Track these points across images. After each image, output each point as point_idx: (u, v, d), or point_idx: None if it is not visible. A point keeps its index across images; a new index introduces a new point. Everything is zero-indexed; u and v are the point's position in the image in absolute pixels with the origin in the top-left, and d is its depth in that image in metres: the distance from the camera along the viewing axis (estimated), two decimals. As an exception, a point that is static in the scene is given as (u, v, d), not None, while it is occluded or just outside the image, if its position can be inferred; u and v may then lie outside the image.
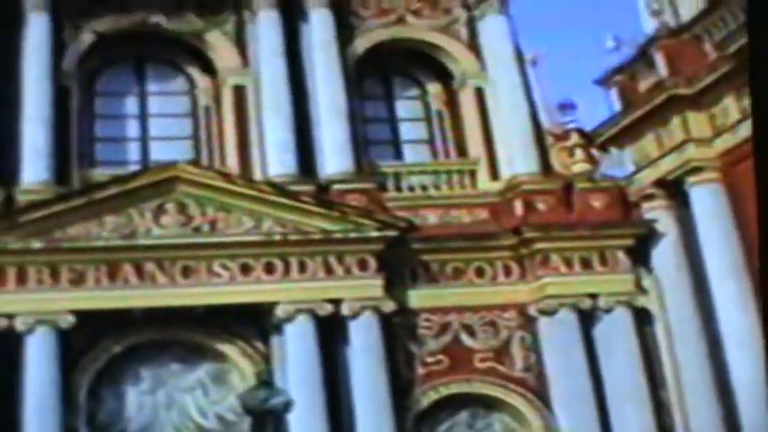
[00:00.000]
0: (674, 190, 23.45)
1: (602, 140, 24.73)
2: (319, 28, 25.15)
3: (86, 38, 24.71)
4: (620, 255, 23.23)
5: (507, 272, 23.18)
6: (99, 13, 24.87)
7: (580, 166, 24.38)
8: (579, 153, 24.52)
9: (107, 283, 21.39)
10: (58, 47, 24.26)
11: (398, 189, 24.01)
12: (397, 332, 22.41)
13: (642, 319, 23.01)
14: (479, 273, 23.05)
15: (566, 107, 25.06)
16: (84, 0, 24.75)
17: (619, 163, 24.67)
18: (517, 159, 24.21)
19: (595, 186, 24.12)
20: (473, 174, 24.43)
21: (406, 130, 25.63)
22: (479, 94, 25.25)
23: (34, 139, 22.80)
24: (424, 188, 24.11)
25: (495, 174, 24.31)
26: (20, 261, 21.23)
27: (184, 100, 25.25)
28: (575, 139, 24.60)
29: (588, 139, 24.69)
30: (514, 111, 24.71)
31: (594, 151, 24.69)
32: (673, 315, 22.85)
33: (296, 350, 21.51)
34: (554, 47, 43.56)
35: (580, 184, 24.06)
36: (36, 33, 24.14)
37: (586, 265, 23.08)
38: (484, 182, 24.30)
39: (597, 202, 23.94)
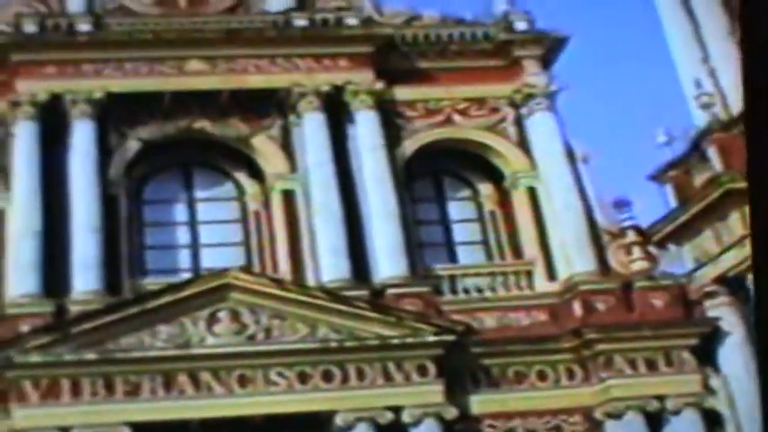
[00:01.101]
0: (737, 286, 23.30)
1: (660, 238, 24.69)
2: (366, 130, 25.37)
3: (132, 145, 24.97)
4: (686, 355, 23.03)
5: (570, 375, 22.97)
6: (143, 120, 25.16)
7: (638, 265, 24.31)
8: (637, 251, 24.47)
9: (162, 393, 21.24)
10: (105, 155, 24.49)
11: (454, 292, 23.94)
12: (460, 440, 22.14)
13: (712, 420, 22.69)
14: (542, 376, 22.85)
15: (620, 204, 25.08)
16: (129, 107, 25.04)
17: (678, 260, 24.61)
18: (574, 259, 24.17)
19: (655, 285, 24.02)
20: (529, 275, 24.38)
21: (459, 232, 25.67)
22: (532, 193, 25.34)
23: (84, 249, 22.88)
24: (480, 290, 24.04)
25: (551, 274, 24.26)
26: (74, 373, 21.10)
27: (233, 206, 25.40)
28: (631, 236, 24.58)
29: (645, 236, 24.66)
30: (568, 209, 24.74)
31: (652, 249, 24.63)
32: (744, 416, 22.51)
33: (358, 459, 21.28)
34: (604, 143, 43.88)
35: (639, 283, 23.96)
36: (82, 141, 24.41)
37: (651, 366, 22.87)
38: (541, 283, 24.24)
39: (658, 301, 23.81)
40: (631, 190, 26.80)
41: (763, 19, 5.58)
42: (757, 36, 5.58)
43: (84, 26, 25.95)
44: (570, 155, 25.55)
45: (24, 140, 24.33)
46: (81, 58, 25.44)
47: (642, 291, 23.90)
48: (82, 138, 24.42)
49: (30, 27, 25.77)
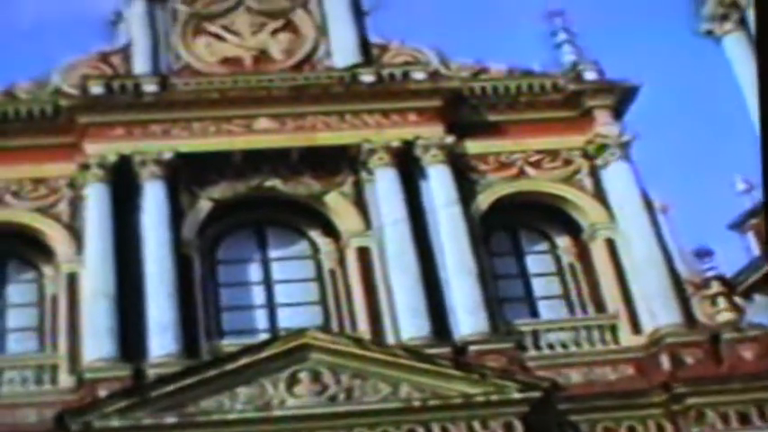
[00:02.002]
0: (829, 336, 22.90)
1: (745, 288, 24.30)
2: (439, 184, 25.30)
3: (203, 205, 24.99)
4: (779, 407, 22.58)
5: (660, 430, 22.59)
6: (214, 179, 25.22)
7: (725, 316, 23.96)
8: (722, 302, 24.10)
9: (244, 456, 21.04)
10: (176, 215, 24.52)
11: (537, 347, 23.67)
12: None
13: (809, 474, 22.17)
14: (631, 432, 22.47)
15: (702, 254, 24.78)
16: (198, 167, 25.10)
17: (765, 310, 24.19)
18: (658, 311, 23.85)
19: (743, 336, 23.64)
20: (614, 328, 24.09)
21: (539, 286, 25.40)
22: (611, 244, 25.10)
23: (160, 312, 22.85)
24: (565, 346, 23.76)
25: (636, 327, 23.96)
26: (154, 437, 20.96)
27: (308, 264, 25.29)
28: (716, 287, 24.24)
29: (730, 286, 24.29)
30: (649, 261, 24.48)
31: (738, 299, 24.25)
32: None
33: None
34: (681, 192, 43.41)
35: (727, 335, 23.58)
36: (153, 203, 24.48)
37: (744, 419, 22.44)
38: (626, 336, 23.93)
39: (747, 353, 23.43)
40: (712, 239, 26.38)
41: None
42: None
43: (150, 87, 26.11)
44: (648, 204, 25.33)
45: (95, 203, 24.43)
46: (148, 119, 25.59)
47: (730, 342, 23.53)
48: (153, 199, 24.48)
49: (96, 89, 25.98)
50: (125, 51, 27.29)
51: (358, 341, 22.67)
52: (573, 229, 25.89)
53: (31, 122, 25.48)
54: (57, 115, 25.55)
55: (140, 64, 26.90)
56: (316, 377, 21.93)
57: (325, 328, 23.33)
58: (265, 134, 25.59)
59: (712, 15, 22.16)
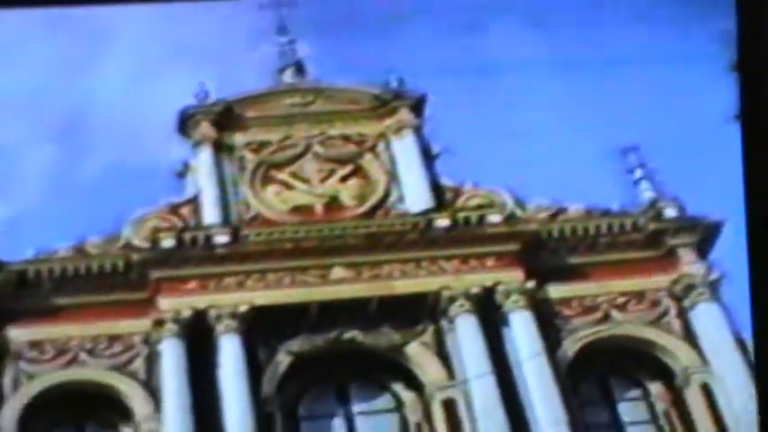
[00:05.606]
0: None
1: None
2: (523, 331, 25.59)
3: (282, 359, 25.34)
4: None
5: None
6: (291, 332, 25.60)
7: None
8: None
9: None
10: (255, 369, 24.88)
11: (638, 500, 23.66)
12: None
13: None
14: None
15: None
16: (275, 320, 25.52)
17: None
18: (762, 459, 23.78)
19: None
20: (716, 477, 24.09)
21: (634, 435, 25.48)
22: (706, 389, 25.20)
23: (245, 474, 23.03)
24: (667, 498, 23.76)
25: (739, 475, 23.92)
26: None
27: (393, 418, 25.48)
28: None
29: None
30: (748, 408, 24.49)
31: None
32: None
33: None
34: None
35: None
36: (231, 357, 24.89)
37: None
38: (730, 485, 23.89)
39: None
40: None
41: None
42: None
43: (221, 238, 26.73)
44: (742, 346, 25.49)
45: (171, 359, 24.86)
46: (222, 272, 26.14)
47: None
48: (230, 354, 24.90)
49: (167, 242, 26.59)
50: (194, 202, 28.02)
51: (451, 499, 22.81)
52: (664, 374, 26.03)
53: (102, 278, 26.10)
54: (128, 270, 26.15)
55: (210, 215, 27.59)
56: None
57: (421, 484, 23.48)
58: (341, 284, 26.08)
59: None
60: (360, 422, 25.38)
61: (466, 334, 25.52)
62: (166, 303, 25.61)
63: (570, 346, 25.76)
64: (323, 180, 28.66)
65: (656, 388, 26.08)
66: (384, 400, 25.86)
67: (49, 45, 38.70)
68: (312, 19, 32.27)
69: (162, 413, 24.24)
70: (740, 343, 25.60)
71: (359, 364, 25.92)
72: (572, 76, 33.61)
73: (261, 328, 25.51)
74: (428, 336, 25.91)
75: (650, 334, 26.16)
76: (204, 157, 28.79)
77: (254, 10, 31.63)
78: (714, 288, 26.46)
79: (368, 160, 29.12)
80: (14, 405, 24.48)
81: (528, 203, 28.16)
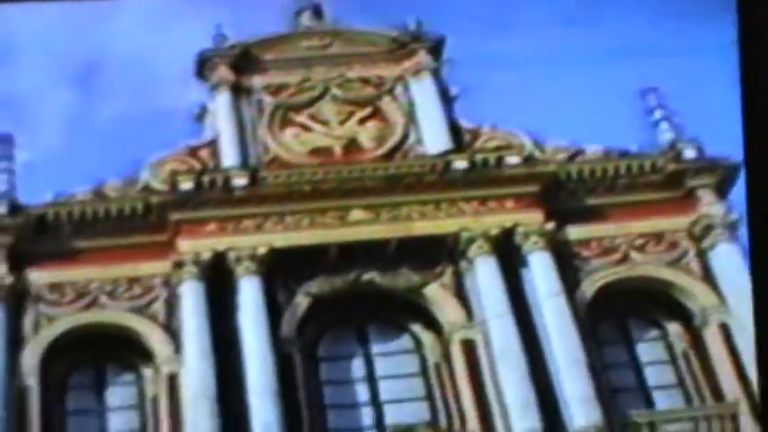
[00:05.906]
0: None
1: None
2: (542, 273, 25.70)
3: (301, 301, 25.52)
4: None
5: None
6: (310, 274, 25.75)
7: None
8: None
9: None
10: (274, 311, 25.07)
11: (656, 440, 23.86)
12: None
13: None
14: None
15: (822, 337, 24.86)
16: (294, 262, 25.66)
17: None
18: (779, 398, 23.92)
19: None
20: (734, 417, 24.20)
21: (652, 375, 25.60)
22: (725, 329, 25.30)
23: (263, 413, 23.27)
24: (685, 437, 23.94)
25: (758, 414, 23.99)
26: None
27: (412, 359, 25.69)
28: (839, 371, 24.29)
29: None
30: (767, 345, 24.59)
31: None
32: None
33: None
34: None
35: None
36: (250, 299, 25.07)
37: None
38: (748, 426, 24.00)
39: None
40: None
41: None
42: None
43: (240, 181, 26.82)
44: (761, 287, 25.50)
45: (191, 301, 25.06)
46: (241, 214, 26.28)
47: None
48: (250, 296, 25.09)
49: (186, 185, 26.68)
50: (213, 145, 28.11)
51: (470, 438, 23.05)
52: (683, 314, 26.14)
53: (121, 221, 26.26)
54: (147, 213, 26.30)
55: (229, 157, 27.67)
56: (427, 475, 22.31)
57: (434, 425, 23.69)
58: (360, 226, 26.19)
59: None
60: (379, 363, 25.57)
61: (485, 275, 25.64)
62: (186, 245, 25.77)
63: (589, 287, 25.86)
64: (341, 122, 28.70)
65: (674, 328, 26.20)
66: (403, 341, 26.05)
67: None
68: (329, -39, 32.12)
69: (182, 355, 24.48)
70: (759, 284, 25.60)
71: (378, 305, 26.10)
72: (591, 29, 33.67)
73: (280, 270, 25.68)
74: (447, 277, 26.04)
75: (669, 275, 26.25)
76: (222, 100, 28.85)
77: (271, -48, 31.54)
78: (733, 229, 26.49)
79: (386, 102, 29.15)
80: (35, 347, 24.75)
81: (546, 145, 28.15)
